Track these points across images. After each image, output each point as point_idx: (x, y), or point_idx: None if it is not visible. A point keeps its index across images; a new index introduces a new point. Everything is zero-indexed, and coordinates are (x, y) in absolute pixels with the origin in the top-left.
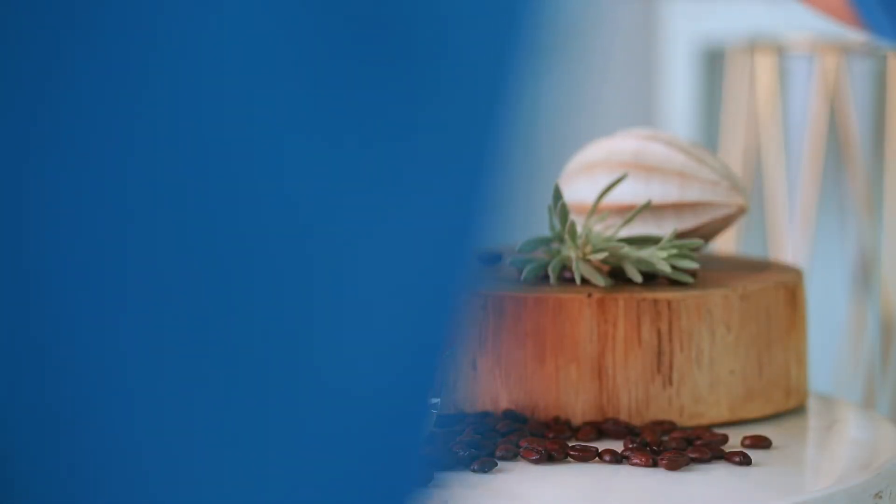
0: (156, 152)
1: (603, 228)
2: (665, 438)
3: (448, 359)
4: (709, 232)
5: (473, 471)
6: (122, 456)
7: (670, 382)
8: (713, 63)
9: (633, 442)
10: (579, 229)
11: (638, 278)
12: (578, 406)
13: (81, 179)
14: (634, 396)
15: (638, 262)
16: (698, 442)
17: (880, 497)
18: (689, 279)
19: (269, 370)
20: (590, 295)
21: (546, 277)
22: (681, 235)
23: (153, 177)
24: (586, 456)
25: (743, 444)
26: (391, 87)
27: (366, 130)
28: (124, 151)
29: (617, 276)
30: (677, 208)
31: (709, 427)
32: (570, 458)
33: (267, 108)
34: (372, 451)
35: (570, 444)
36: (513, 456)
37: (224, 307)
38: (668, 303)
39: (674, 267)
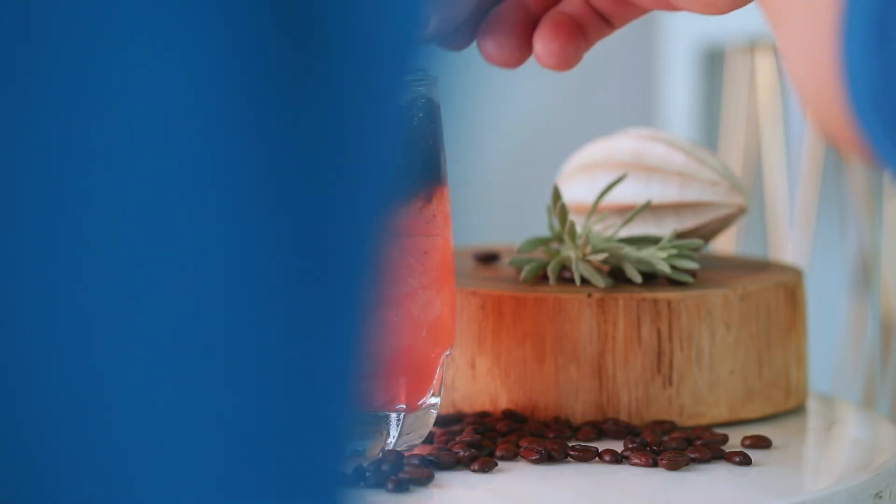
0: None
1: (603, 228)
2: (665, 438)
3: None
4: (709, 232)
5: (473, 471)
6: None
7: (670, 382)
8: (713, 63)
9: (633, 442)
10: (579, 229)
11: (638, 278)
12: (578, 406)
13: None
14: (634, 396)
15: (638, 262)
16: (698, 442)
17: (880, 497)
18: (689, 279)
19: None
20: (590, 295)
21: (546, 277)
22: (681, 235)
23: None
24: (586, 456)
25: (743, 444)
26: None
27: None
28: None
29: (617, 276)
30: (677, 208)
31: (709, 427)
32: (570, 458)
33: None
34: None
35: (570, 444)
36: (513, 456)
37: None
38: (668, 303)
39: (674, 267)
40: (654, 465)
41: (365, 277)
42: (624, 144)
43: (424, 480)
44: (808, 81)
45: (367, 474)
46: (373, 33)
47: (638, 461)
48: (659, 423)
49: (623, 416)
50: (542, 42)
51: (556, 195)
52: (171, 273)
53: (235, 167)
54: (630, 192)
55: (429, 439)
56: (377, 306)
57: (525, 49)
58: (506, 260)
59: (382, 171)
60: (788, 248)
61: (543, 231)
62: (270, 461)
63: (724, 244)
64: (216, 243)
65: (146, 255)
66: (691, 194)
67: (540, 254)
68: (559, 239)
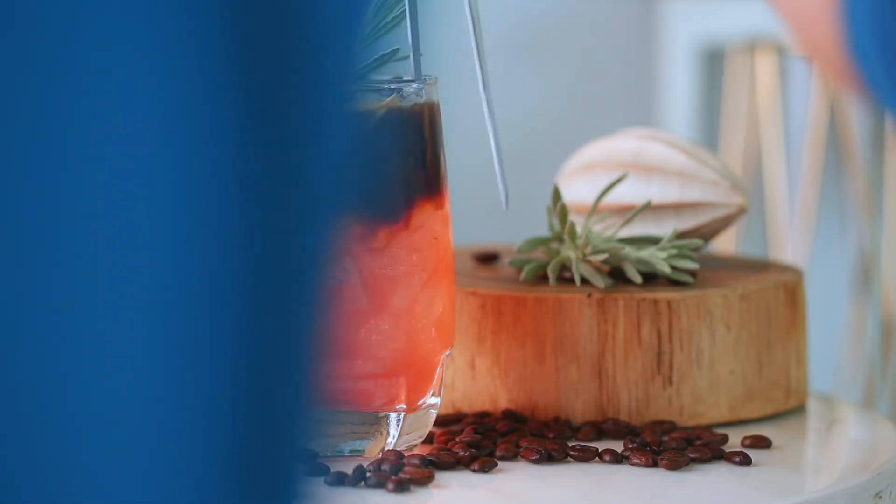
0: None
1: (603, 228)
2: (665, 438)
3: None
4: (709, 232)
5: (473, 471)
6: None
7: (670, 382)
8: (713, 63)
9: (633, 442)
10: (579, 229)
11: (638, 279)
12: (578, 406)
13: None
14: (634, 396)
15: (638, 262)
16: (698, 442)
17: (880, 497)
18: (688, 279)
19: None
20: (590, 295)
21: (546, 277)
22: (681, 235)
23: None
24: (586, 456)
25: (743, 444)
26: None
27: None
28: None
29: (617, 276)
30: (677, 208)
31: (709, 427)
32: (570, 458)
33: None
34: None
35: (570, 444)
36: (513, 456)
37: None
38: (668, 303)
39: (674, 267)
40: (654, 465)
41: (321, 276)
42: (624, 144)
43: (424, 480)
44: (808, 29)
45: (368, 474)
46: (320, 43)
47: (638, 461)
48: (659, 423)
49: (623, 416)
50: None
51: (556, 195)
52: (131, 270)
53: (197, 166)
54: (630, 192)
55: (429, 439)
56: (331, 306)
57: None
58: (506, 260)
59: (334, 177)
60: (788, 248)
61: (543, 231)
62: (227, 461)
63: (724, 244)
64: (175, 242)
65: (111, 252)
66: (691, 194)
67: (540, 254)
68: (559, 239)
